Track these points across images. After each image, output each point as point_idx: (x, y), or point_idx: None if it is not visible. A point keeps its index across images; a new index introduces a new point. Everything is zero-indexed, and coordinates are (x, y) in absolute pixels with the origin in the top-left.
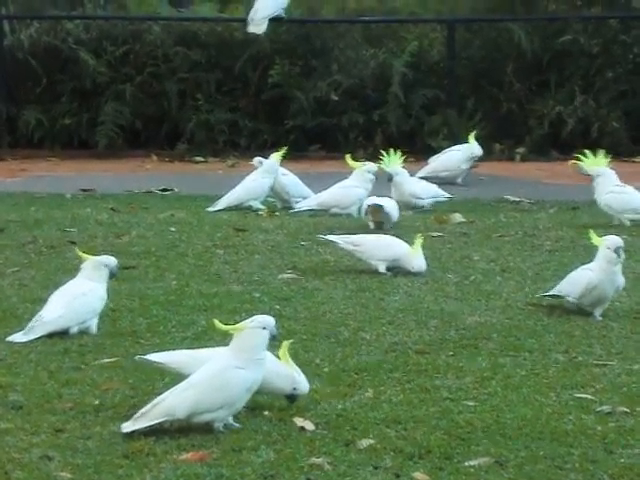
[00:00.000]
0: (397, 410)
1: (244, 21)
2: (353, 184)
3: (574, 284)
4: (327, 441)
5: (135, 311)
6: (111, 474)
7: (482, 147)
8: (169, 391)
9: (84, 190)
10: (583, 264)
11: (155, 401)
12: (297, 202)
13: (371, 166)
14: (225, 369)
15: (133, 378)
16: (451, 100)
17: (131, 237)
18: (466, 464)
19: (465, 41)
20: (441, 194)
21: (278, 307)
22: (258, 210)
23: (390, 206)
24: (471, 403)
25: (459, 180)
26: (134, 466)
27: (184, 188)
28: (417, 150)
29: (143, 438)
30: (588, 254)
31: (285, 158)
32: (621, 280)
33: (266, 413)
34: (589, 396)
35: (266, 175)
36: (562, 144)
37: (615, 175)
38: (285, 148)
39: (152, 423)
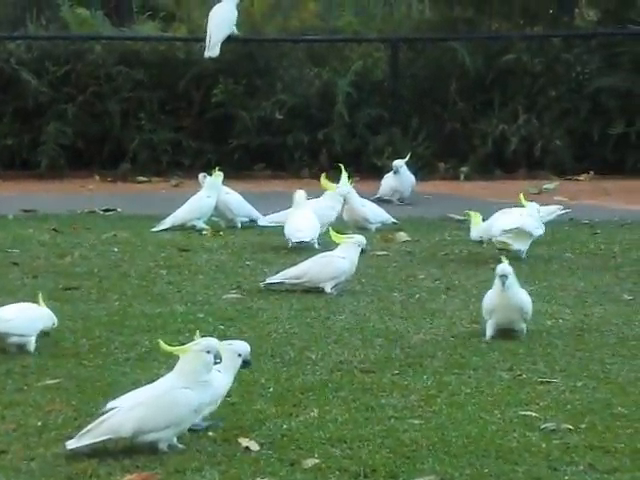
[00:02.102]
0: (342, 429)
1: (187, 40)
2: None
3: (483, 307)
4: (272, 461)
5: (78, 332)
6: None
7: (426, 166)
8: (115, 410)
9: (26, 211)
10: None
11: (101, 418)
12: (242, 221)
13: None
14: (172, 389)
15: (76, 399)
16: (395, 119)
17: (73, 258)
18: None
19: (409, 60)
20: (388, 218)
21: (222, 327)
22: (202, 230)
23: None
24: (416, 421)
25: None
26: None
27: (127, 208)
28: (362, 169)
29: (87, 459)
30: (532, 271)
31: (227, 177)
32: (522, 302)
33: (210, 434)
34: (533, 413)
35: (210, 194)
36: (506, 163)
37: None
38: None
39: (96, 440)
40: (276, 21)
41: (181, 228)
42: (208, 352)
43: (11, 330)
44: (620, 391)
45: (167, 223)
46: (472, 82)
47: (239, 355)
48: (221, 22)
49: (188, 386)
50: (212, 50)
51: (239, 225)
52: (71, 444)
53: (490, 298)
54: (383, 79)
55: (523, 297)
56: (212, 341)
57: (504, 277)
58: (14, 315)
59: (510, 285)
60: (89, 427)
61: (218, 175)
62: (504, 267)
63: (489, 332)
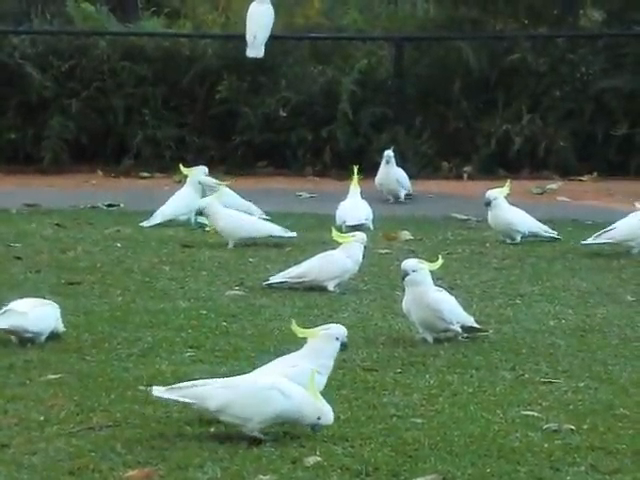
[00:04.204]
0: (344, 427)
1: (191, 36)
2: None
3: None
4: (274, 458)
5: (80, 327)
6: None
7: (429, 165)
8: (213, 380)
9: (29, 205)
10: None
11: (195, 382)
12: None
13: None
14: (271, 388)
15: (78, 394)
16: (399, 118)
17: (76, 253)
18: None
19: (413, 59)
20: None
21: (225, 324)
22: (204, 226)
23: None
24: (418, 420)
25: None
26: None
27: (130, 204)
28: (365, 167)
29: (88, 454)
30: (535, 271)
31: (230, 174)
32: (429, 299)
33: (212, 430)
34: (536, 413)
35: (197, 188)
36: (509, 163)
37: None
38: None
39: (181, 400)
40: (281, 18)
41: (176, 224)
42: (337, 339)
43: (28, 327)
44: (622, 392)
45: (157, 219)
46: (476, 81)
47: (337, 339)
48: (265, 23)
49: (314, 367)
50: (257, 50)
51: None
52: (157, 391)
53: (404, 299)
54: (387, 78)
55: (435, 296)
56: (341, 328)
57: (404, 273)
58: (29, 311)
59: (415, 283)
60: (181, 385)
61: (200, 170)
62: (405, 263)
63: (426, 336)
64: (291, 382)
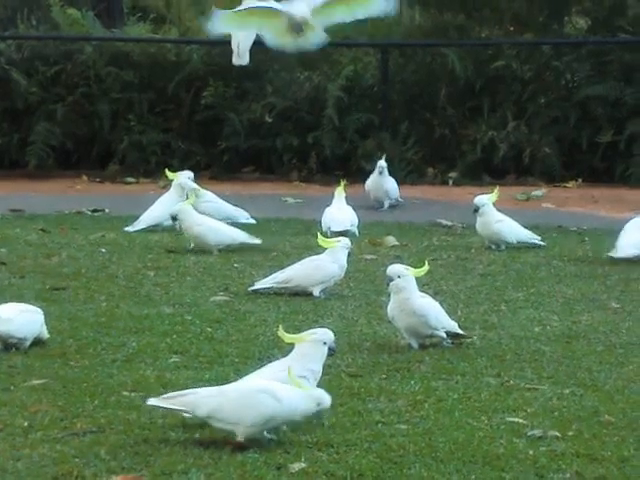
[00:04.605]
0: (329, 433)
1: (177, 42)
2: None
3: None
4: (259, 464)
5: (65, 333)
6: None
7: (415, 171)
8: (203, 389)
9: (13, 210)
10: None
11: (186, 391)
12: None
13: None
14: (257, 391)
15: (62, 400)
16: (385, 124)
17: (61, 258)
18: None
19: (399, 66)
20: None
21: (210, 329)
22: None
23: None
24: (403, 426)
25: None
26: None
27: (115, 209)
28: (351, 173)
29: (72, 460)
30: (520, 278)
31: (216, 179)
32: (414, 305)
33: (197, 436)
34: (521, 420)
35: (182, 193)
36: (494, 169)
37: None
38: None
39: (175, 408)
40: None
41: (161, 229)
42: (324, 343)
43: (13, 332)
44: (607, 399)
45: (141, 224)
46: (462, 88)
47: (324, 343)
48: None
49: (302, 374)
50: (243, 58)
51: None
52: (152, 401)
53: (390, 305)
54: (373, 84)
55: (420, 302)
56: (329, 333)
57: (389, 279)
58: (15, 316)
59: (400, 288)
60: (173, 394)
61: (184, 176)
62: (390, 269)
63: (412, 342)
64: (280, 383)
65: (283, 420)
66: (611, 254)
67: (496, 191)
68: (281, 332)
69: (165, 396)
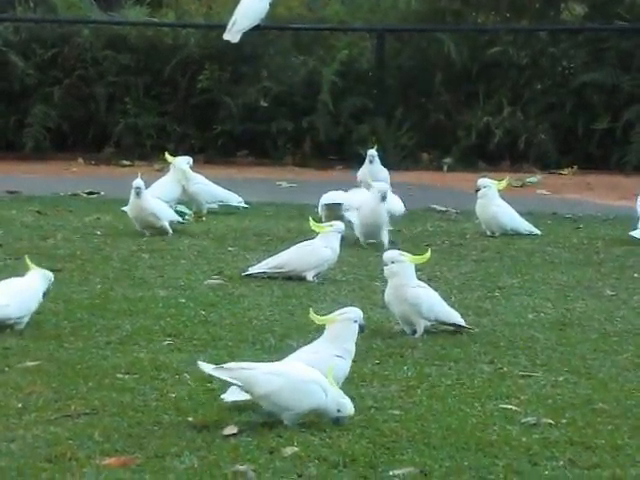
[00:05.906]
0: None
1: (174, 26)
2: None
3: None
4: (251, 448)
5: (59, 314)
6: (34, 477)
7: (410, 156)
8: (262, 365)
9: (10, 192)
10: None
11: (245, 365)
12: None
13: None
14: (311, 382)
15: (56, 382)
16: (380, 109)
17: (56, 240)
18: (390, 473)
19: (395, 51)
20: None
21: (204, 313)
22: (184, 214)
23: (347, 203)
24: (396, 412)
25: None
26: (57, 470)
27: (110, 192)
28: (345, 158)
29: (66, 442)
30: (514, 264)
31: (211, 163)
32: (407, 293)
33: (190, 419)
34: (514, 407)
35: (181, 177)
36: (489, 155)
37: None
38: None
39: (229, 380)
40: None
41: None
42: (355, 321)
43: (9, 315)
44: (601, 387)
45: None
46: (457, 74)
47: (355, 322)
48: (249, 11)
49: (338, 354)
50: (233, 35)
51: (205, 211)
52: (206, 367)
53: (386, 290)
54: (368, 69)
55: (414, 290)
56: (358, 311)
57: (383, 264)
58: (10, 299)
59: (394, 274)
60: (231, 365)
61: (183, 160)
62: (386, 254)
63: (405, 329)
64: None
65: (321, 413)
66: (634, 234)
67: (506, 180)
68: (312, 314)
69: (226, 366)
